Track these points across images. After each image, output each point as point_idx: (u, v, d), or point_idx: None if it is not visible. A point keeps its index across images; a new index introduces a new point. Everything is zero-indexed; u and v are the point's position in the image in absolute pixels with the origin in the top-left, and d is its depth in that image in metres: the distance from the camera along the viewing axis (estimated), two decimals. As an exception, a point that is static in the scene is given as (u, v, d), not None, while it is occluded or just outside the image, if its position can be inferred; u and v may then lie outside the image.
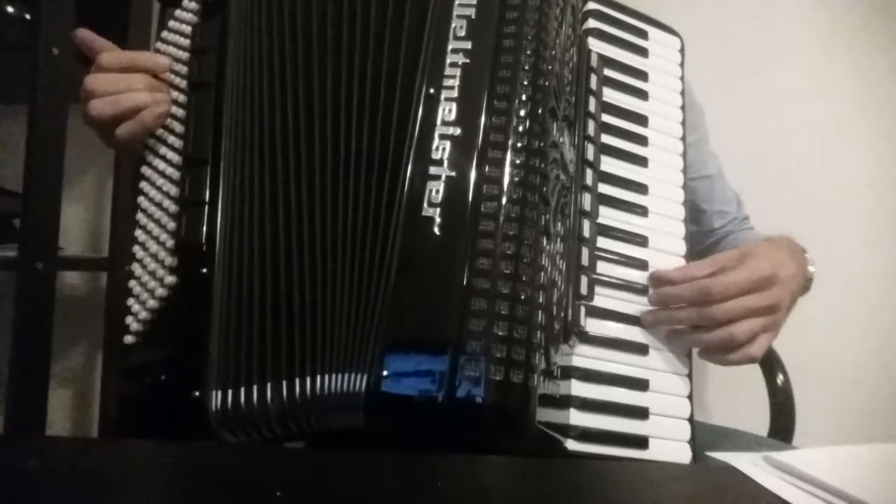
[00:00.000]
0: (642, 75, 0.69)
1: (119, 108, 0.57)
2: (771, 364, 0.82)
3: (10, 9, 1.13)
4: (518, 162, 0.51)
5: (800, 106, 1.23)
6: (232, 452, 0.52)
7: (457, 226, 0.49)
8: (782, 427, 0.80)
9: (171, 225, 0.55)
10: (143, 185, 0.58)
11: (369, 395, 0.47)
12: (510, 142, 0.51)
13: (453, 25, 0.54)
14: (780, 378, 0.81)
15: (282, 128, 0.55)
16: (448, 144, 0.51)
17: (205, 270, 0.53)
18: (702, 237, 0.89)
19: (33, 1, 1.09)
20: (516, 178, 0.50)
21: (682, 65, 0.73)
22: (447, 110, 0.52)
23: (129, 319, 0.55)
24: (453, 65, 0.53)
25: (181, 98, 0.59)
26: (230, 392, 0.50)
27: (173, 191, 0.56)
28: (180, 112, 0.58)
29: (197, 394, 0.50)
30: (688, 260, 0.64)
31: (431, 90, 0.53)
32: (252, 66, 0.57)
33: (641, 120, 0.67)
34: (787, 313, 0.63)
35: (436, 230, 0.49)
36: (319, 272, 0.52)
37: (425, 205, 0.50)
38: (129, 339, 0.54)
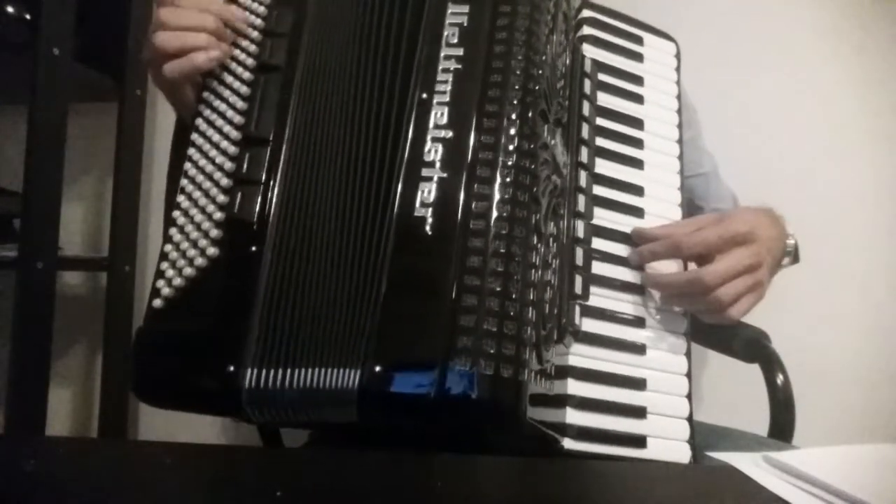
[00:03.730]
0: (638, 80, 0.70)
1: (184, 43, 0.57)
2: (771, 364, 0.82)
3: (10, 9, 1.13)
4: (509, 163, 0.52)
5: (800, 106, 1.22)
6: (232, 452, 0.52)
7: (448, 225, 0.50)
8: (782, 427, 0.79)
9: (222, 198, 0.55)
10: (193, 152, 0.58)
11: (362, 390, 0.47)
12: (501, 144, 0.52)
13: (446, 33, 0.56)
14: (780, 378, 0.81)
15: (316, 127, 0.57)
16: (440, 147, 0.52)
17: (254, 249, 0.53)
18: None
19: (33, 1, 1.09)
20: (507, 179, 0.51)
21: (677, 69, 0.74)
22: (439, 114, 0.53)
23: (161, 283, 0.54)
24: (445, 70, 0.54)
25: (245, 75, 0.59)
26: (264, 371, 0.50)
27: (227, 164, 0.56)
28: (243, 89, 0.58)
29: (232, 368, 0.50)
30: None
31: (424, 95, 0.54)
32: (317, 62, 0.59)
33: (637, 123, 0.68)
34: (770, 274, 0.64)
35: (427, 230, 0.50)
36: (328, 266, 0.53)
37: (417, 205, 0.51)
38: (157, 303, 0.53)
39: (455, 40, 0.55)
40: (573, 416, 0.55)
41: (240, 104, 0.58)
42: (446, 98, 0.54)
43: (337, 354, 0.49)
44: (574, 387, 0.56)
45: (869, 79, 1.21)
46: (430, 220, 0.50)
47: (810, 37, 1.23)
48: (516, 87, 0.54)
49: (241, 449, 0.53)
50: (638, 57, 0.71)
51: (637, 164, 0.67)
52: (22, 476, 0.41)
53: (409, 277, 0.50)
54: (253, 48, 0.60)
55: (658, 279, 0.61)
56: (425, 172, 0.52)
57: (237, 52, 0.60)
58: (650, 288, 0.62)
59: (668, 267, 0.63)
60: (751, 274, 0.60)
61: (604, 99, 0.67)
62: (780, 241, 0.68)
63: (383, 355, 0.47)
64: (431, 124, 0.53)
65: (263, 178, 0.55)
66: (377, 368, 0.47)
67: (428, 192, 0.51)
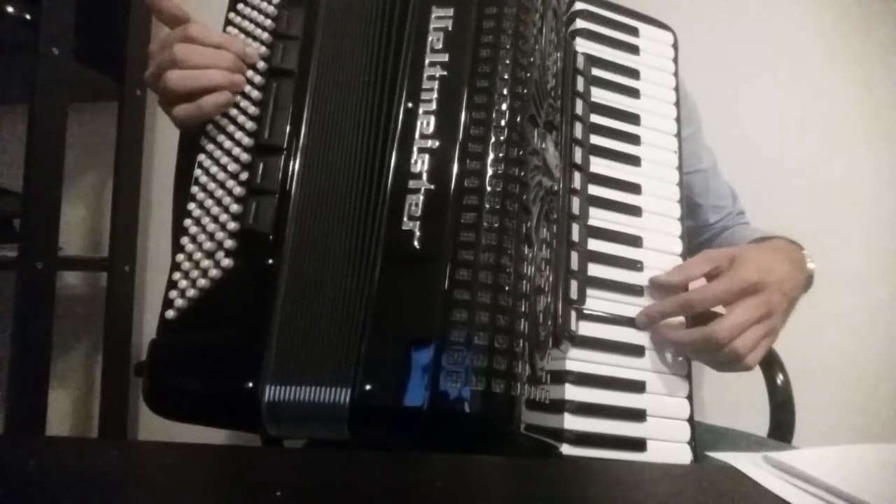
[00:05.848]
0: (634, 73, 0.69)
1: (197, 85, 0.55)
2: (771, 364, 0.82)
3: (10, 9, 1.13)
4: (498, 172, 0.51)
5: (800, 105, 1.22)
6: (232, 452, 0.52)
7: (436, 239, 0.49)
8: (782, 427, 0.80)
9: (235, 207, 0.54)
10: (204, 159, 0.56)
11: (353, 408, 0.47)
12: (488, 152, 0.51)
13: (430, 39, 0.54)
14: (780, 378, 0.81)
15: (327, 135, 0.56)
16: (427, 157, 0.51)
17: (271, 262, 0.52)
18: (698, 232, 0.89)
19: (33, 1, 1.09)
20: (496, 189, 0.50)
21: (675, 60, 0.72)
22: (425, 123, 0.52)
23: (174, 294, 0.53)
24: (431, 78, 0.53)
25: (256, 79, 0.57)
26: (280, 388, 0.49)
27: (240, 173, 0.55)
28: (255, 93, 0.57)
29: (251, 384, 0.49)
30: (685, 258, 0.64)
31: (410, 104, 0.53)
32: (329, 67, 0.57)
33: (633, 119, 0.67)
34: (783, 317, 0.63)
35: (416, 244, 0.49)
36: (330, 280, 0.52)
37: (405, 218, 0.50)
38: (171, 314, 0.52)
39: (440, 46, 0.54)
40: (571, 422, 0.54)
41: (251, 109, 0.56)
42: (432, 107, 0.52)
43: (332, 371, 0.49)
44: (572, 392, 0.55)
45: (869, 79, 1.21)
46: (417, 233, 0.49)
47: (810, 37, 1.23)
48: (504, 92, 0.53)
49: (241, 449, 0.53)
50: (633, 49, 0.70)
51: (634, 161, 0.66)
52: (22, 476, 0.42)
53: (397, 292, 0.49)
54: (263, 50, 0.58)
55: (672, 336, 0.60)
56: (412, 184, 0.51)
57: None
58: (662, 344, 0.61)
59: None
60: (763, 323, 0.60)
61: (598, 95, 0.66)
62: (795, 276, 0.65)
63: (373, 373, 0.47)
64: (417, 134, 0.52)
65: (278, 188, 0.54)
66: (367, 387, 0.47)
67: (415, 204, 0.50)
